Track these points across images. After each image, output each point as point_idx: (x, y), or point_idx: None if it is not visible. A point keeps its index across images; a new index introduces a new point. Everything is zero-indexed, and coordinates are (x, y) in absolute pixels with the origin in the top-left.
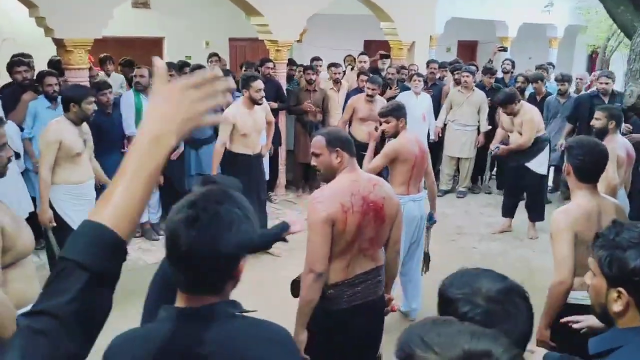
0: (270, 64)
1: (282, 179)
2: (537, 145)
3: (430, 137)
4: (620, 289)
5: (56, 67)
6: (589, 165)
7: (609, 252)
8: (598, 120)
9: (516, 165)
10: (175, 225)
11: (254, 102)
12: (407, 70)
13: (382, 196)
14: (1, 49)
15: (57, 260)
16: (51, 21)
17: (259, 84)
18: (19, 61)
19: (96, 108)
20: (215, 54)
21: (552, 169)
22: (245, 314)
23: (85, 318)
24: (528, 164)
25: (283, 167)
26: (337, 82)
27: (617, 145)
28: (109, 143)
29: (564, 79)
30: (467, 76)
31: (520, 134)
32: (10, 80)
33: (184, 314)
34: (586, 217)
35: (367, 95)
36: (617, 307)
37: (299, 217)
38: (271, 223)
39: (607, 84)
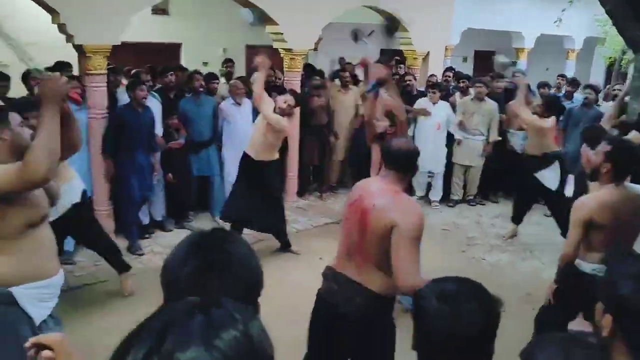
0: (271, 72)
1: (291, 185)
2: (546, 158)
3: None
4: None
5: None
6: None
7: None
8: None
9: (527, 173)
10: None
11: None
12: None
13: (373, 203)
14: (26, 53)
15: None
16: (71, 28)
17: (291, 98)
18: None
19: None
20: (230, 60)
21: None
22: None
23: None
24: (536, 174)
25: (292, 173)
26: (345, 85)
27: None
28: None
29: (592, 89)
30: (480, 86)
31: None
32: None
33: None
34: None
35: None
36: (605, 331)
37: None
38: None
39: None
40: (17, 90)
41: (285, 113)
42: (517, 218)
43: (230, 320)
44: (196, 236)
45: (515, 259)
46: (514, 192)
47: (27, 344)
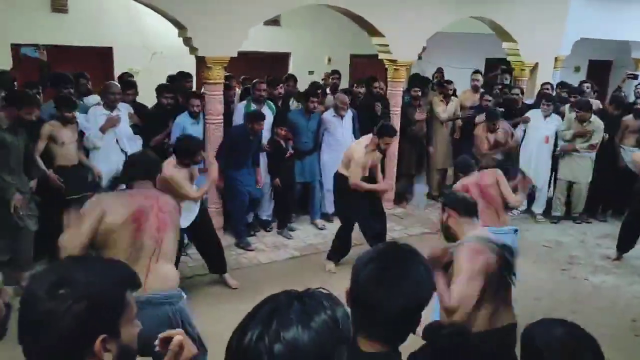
0: (377, 83)
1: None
2: None
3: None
4: None
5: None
6: None
7: None
8: None
9: None
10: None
11: (381, 150)
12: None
13: None
14: (151, 61)
15: None
16: (196, 41)
17: (391, 139)
18: (165, 87)
19: None
20: (337, 71)
21: None
22: None
23: None
24: None
25: (390, 181)
26: (446, 96)
27: None
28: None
29: None
30: (579, 112)
31: None
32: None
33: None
34: None
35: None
36: None
37: None
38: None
39: None
40: (143, 95)
41: None
42: (623, 246)
43: (321, 307)
44: (383, 247)
45: (622, 283)
46: (626, 215)
47: (157, 341)
